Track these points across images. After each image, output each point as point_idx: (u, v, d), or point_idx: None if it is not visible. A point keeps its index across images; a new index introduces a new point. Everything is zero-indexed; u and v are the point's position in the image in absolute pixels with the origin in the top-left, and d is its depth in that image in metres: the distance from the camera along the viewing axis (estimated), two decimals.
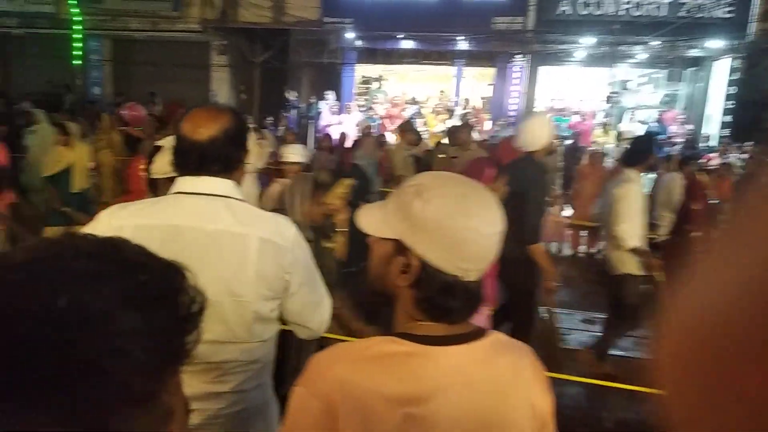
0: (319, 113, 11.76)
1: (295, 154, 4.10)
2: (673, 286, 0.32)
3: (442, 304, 0.94)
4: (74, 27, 12.10)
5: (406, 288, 0.96)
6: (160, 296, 0.43)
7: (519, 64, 12.09)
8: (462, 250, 0.93)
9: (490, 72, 12.81)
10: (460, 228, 0.92)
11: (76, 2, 11.90)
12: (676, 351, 0.30)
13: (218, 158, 1.48)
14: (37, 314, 0.37)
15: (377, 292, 1.06)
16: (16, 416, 0.33)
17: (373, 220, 1.03)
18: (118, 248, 0.46)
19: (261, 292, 1.45)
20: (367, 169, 5.35)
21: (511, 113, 12.16)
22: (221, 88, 12.81)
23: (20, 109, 10.76)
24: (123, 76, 13.49)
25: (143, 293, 0.42)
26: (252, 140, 2.31)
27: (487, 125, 11.89)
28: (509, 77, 12.25)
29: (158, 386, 0.41)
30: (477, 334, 0.98)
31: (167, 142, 2.09)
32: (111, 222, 1.50)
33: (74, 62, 12.41)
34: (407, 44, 12.09)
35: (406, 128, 6.89)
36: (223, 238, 1.46)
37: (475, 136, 10.17)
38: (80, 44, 12.31)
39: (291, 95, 12.17)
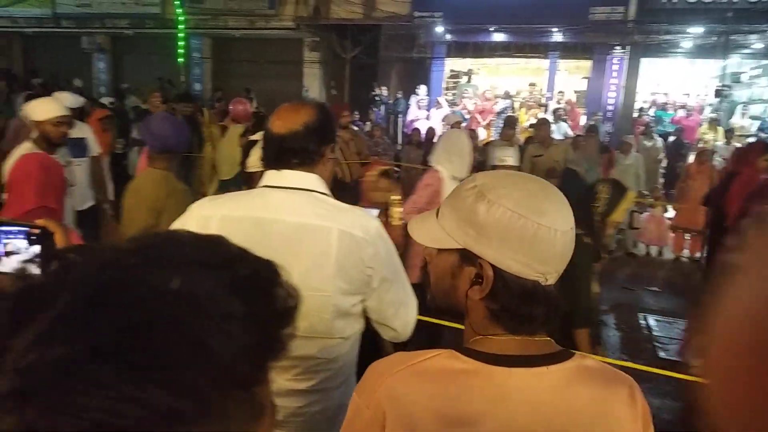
0: (407, 108, 11.75)
1: (511, 157, 3.81)
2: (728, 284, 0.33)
3: (523, 313, 0.85)
4: (178, 26, 12.80)
5: (479, 300, 0.87)
6: (259, 288, 0.45)
7: (618, 55, 11.47)
8: (539, 251, 0.84)
9: (585, 65, 12.27)
10: (534, 228, 0.83)
11: (180, 3, 12.57)
12: (729, 348, 0.32)
13: (297, 151, 1.48)
14: (153, 295, 0.39)
15: (442, 308, 0.97)
16: (130, 387, 0.35)
17: (429, 231, 0.94)
18: (218, 242, 0.48)
19: (340, 286, 1.43)
20: None
21: (609, 107, 11.58)
22: (312, 84, 13.12)
23: (130, 105, 11.58)
24: (221, 72, 14.14)
25: (244, 283, 0.44)
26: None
27: (582, 120, 11.39)
28: (607, 70, 11.66)
29: (257, 375, 0.43)
30: (558, 356, 0.87)
31: (259, 136, 2.16)
32: (200, 212, 1.54)
33: (178, 60, 13.13)
34: (499, 37, 11.81)
35: (506, 123, 6.75)
36: (305, 231, 1.46)
37: (569, 131, 9.80)
38: (183, 42, 13.01)
39: (380, 90, 12.25)
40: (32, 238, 0.92)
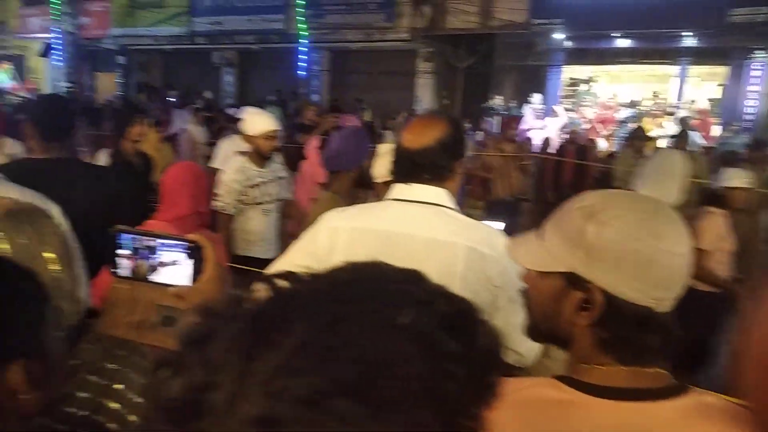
0: (521, 117, 11.49)
1: (741, 178, 3.37)
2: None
3: (636, 342, 0.79)
4: (300, 41, 13.44)
5: (586, 327, 0.81)
6: (466, 326, 0.43)
7: (761, 60, 10.47)
8: (654, 276, 0.78)
9: (720, 71, 11.31)
10: (649, 251, 0.78)
11: (303, 19, 13.20)
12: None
13: (429, 167, 1.47)
14: (386, 330, 0.39)
15: (542, 334, 0.91)
16: (372, 424, 0.35)
17: (531, 252, 0.89)
18: (419, 277, 0.46)
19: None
20: None
21: (748, 117, 10.58)
22: (425, 94, 13.19)
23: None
24: (338, 84, 14.61)
25: (453, 321, 0.42)
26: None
27: (716, 130, 10.50)
28: (746, 76, 10.67)
29: (474, 420, 0.42)
30: (673, 390, 0.79)
31: (386, 147, 2.19)
32: (330, 224, 1.57)
33: (299, 72, 13.79)
34: (623, 43, 11.21)
35: (636, 135, 6.40)
36: (433, 247, 1.45)
37: (701, 141, 9.07)
38: (304, 56, 13.65)
39: (494, 100, 12.07)
40: (189, 251, 0.98)
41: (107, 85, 18.60)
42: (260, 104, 13.61)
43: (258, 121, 3.48)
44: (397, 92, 13.61)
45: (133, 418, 1.03)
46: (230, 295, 0.43)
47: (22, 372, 0.75)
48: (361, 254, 1.51)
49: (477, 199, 6.55)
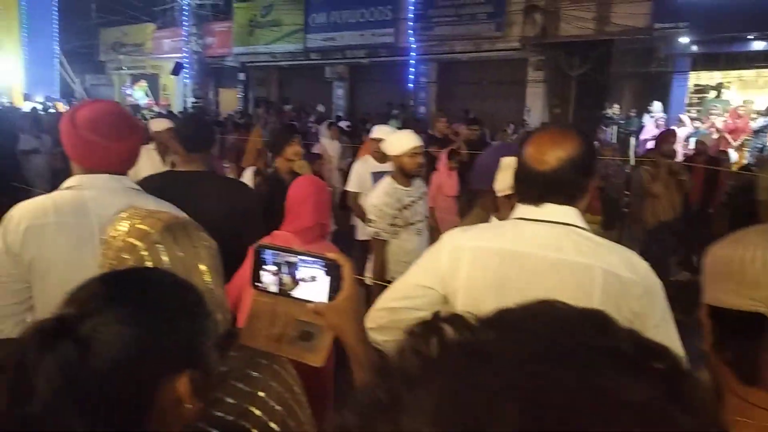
0: (641, 127, 10.85)
1: None
2: None
3: None
4: (409, 53, 13.63)
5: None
6: (689, 392, 0.35)
7: None
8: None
9: None
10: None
11: (412, 32, 13.39)
12: None
13: (561, 188, 1.39)
14: (604, 404, 0.32)
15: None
16: None
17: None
18: (608, 322, 0.40)
19: None
20: None
21: None
22: (535, 104, 12.86)
23: (365, 127, 12.61)
24: (445, 95, 14.62)
25: (678, 386, 0.35)
26: None
27: None
28: None
29: None
30: None
31: (509, 160, 2.14)
32: (453, 243, 1.54)
33: (408, 85, 13.97)
34: (757, 45, 10.27)
35: None
36: (563, 268, 1.37)
37: None
38: (413, 69, 13.82)
39: (611, 108, 11.51)
40: (327, 268, 1.00)
41: (229, 100, 19.90)
42: (376, 117, 13.96)
43: (402, 139, 3.39)
44: (506, 102, 13.38)
45: (273, 425, 1.07)
46: (400, 347, 0.38)
47: (188, 383, 0.78)
48: (485, 275, 1.49)
49: (594, 213, 6.20)
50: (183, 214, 1.30)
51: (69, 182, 1.79)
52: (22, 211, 1.70)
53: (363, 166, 4.74)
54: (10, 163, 6.33)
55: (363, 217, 4.47)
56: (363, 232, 4.49)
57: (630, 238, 5.81)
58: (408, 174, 3.37)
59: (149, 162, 4.45)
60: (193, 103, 18.16)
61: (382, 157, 4.40)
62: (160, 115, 12.99)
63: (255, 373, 1.11)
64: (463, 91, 14.50)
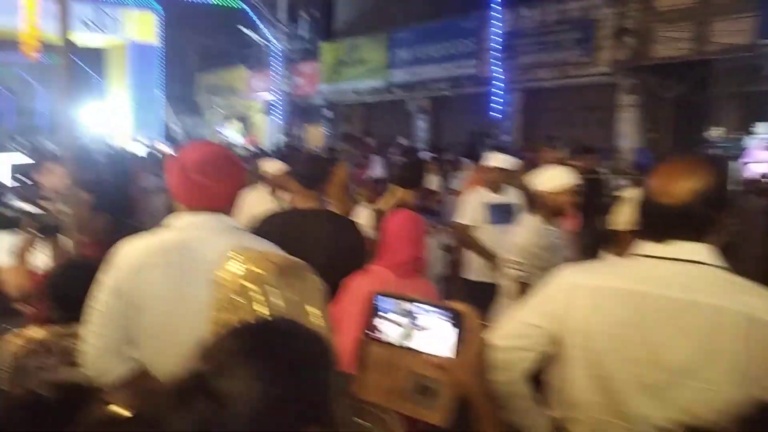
0: (743, 150, 10.11)
1: None
2: None
3: None
4: (494, 83, 13.54)
5: None
6: None
7: None
8: None
9: None
10: None
11: (496, 62, 13.32)
12: None
13: (690, 224, 1.27)
14: None
15: None
16: None
17: None
18: None
19: (742, 381, 1.16)
20: None
21: None
22: (627, 129, 12.32)
23: (447, 158, 12.57)
24: (530, 124, 14.35)
25: None
26: None
27: None
28: None
29: None
30: None
31: (630, 192, 2.01)
32: (567, 281, 1.44)
33: (491, 114, 13.86)
34: None
35: None
36: (698, 311, 1.23)
37: None
38: (497, 98, 13.71)
39: (713, 131, 10.82)
40: (451, 319, 0.94)
41: (315, 137, 20.56)
42: (458, 147, 13.89)
43: (556, 176, 3.17)
44: (594, 129, 12.92)
45: None
46: None
47: None
48: (604, 316, 1.37)
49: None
50: (290, 257, 1.29)
51: (172, 221, 1.84)
52: (128, 249, 1.77)
53: (475, 197, 4.44)
54: (125, 203, 6.70)
55: (483, 253, 4.24)
56: (479, 272, 4.23)
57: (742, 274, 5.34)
58: (557, 213, 3.18)
59: (260, 200, 4.58)
60: (283, 141, 18.90)
61: (497, 188, 4.23)
62: (256, 153, 13.59)
63: (363, 422, 1.07)
64: (548, 119, 14.17)
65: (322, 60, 18.47)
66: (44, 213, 2.64)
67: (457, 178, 9.55)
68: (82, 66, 24.26)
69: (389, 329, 0.99)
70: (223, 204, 1.83)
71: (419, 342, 0.96)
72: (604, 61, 11.93)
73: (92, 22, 18.91)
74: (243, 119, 23.69)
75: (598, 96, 12.93)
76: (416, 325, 0.97)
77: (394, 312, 0.99)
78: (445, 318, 0.94)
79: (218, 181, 1.78)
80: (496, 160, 4.48)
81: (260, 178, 5.17)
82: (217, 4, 19.63)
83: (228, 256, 1.24)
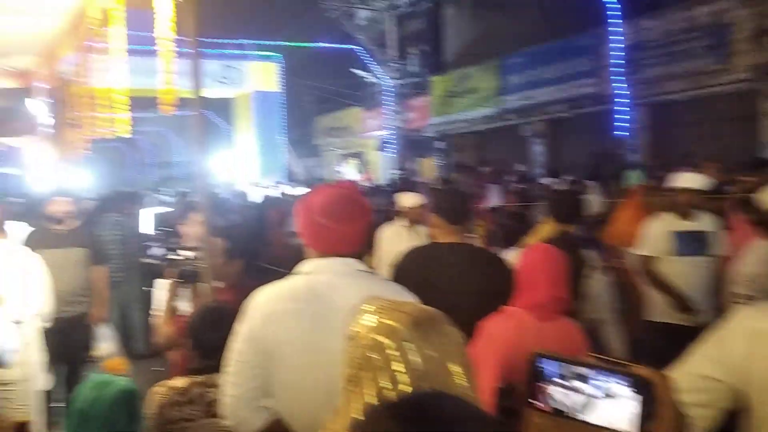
0: None
1: None
2: None
3: None
4: (616, 100, 12.85)
5: None
6: None
7: None
8: None
9: None
10: None
11: (618, 78, 12.64)
12: None
13: None
14: None
15: None
16: None
17: None
18: None
19: None
20: None
21: None
22: None
23: (566, 181, 11.98)
24: (659, 141, 13.39)
25: None
26: None
27: None
28: None
29: None
30: None
31: None
32: (746, 325, 1.20)
33: (615, 134, 13.12)
34: None
35: None
36: None
37: None
38: (621, 116, 12.96)
39: None
40: (634, 387, 0.76)
41: (428, 169, 20.65)
42: (580, 170, 13.26)
43: None
44: (734, 141, 11.76)
45: None
46: None
47: None
48: None
49: None
50: (425, 307, 1.17)
51: (303, 267, 1.82)
52: (261, 296, 1.77)
53: (658, 225, 3.95)
54: (259, 247, 6.88)
55: (670, 291, 3.74)
56: (664, 312, 3.75)
57: None
58: None
59: (397, 235, 4.57)
60: (397, 174, 19.18)
61: (687, 213, 3.71)
62: (373, 189, 13.84)
63: None
64: (680, 134, 13.13)
65: (433, 93, 18.63)
66: (185, 261, 2.75)
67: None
68: (212, 116, 26.49)
69: (556, 397, 0.83)
70: (351, 247, 1.78)
71: (593, 414, 0.79)
72: (742, 66, 10.88)
73: (221, 77, 20.60)
74: (359, 157, 24.43)
75: (736, 105, 11.80)
76: (589, 393, 0.80)
77: (560, 377, 0.83)
78: (624, 384, 0.76)
79: (344, 223, 1.75)
80: (686, 179, 3.90)
81: (395, 212, 5.16)
82: (331, 48, 20.58)
83: (360, 307, 1.16)
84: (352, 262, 1.78)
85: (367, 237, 1.89)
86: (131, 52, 14.03)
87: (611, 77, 12.83)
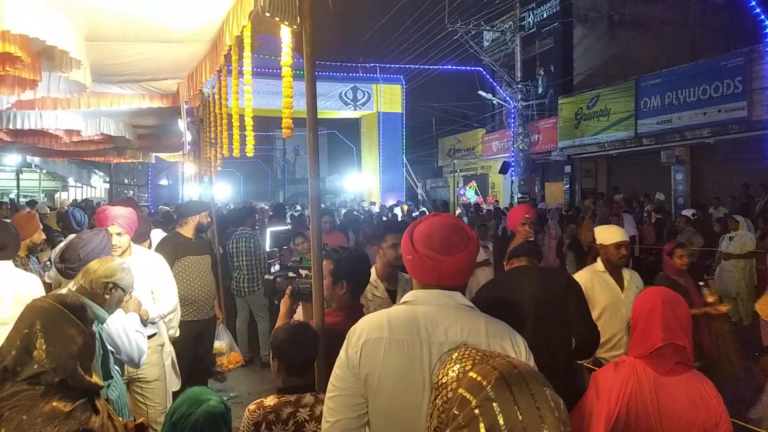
0: None
1: None
2: None
3: None
4: None
5: None
6: None
7: None
8: None
9: None
10: None
11: None
12: None
13: None
14: None
15: None
16: None
17: None
18: None
19: None
20: None
21: None
22: None
23: (715, 215, 10.91)
24: None
25: None
26: None
27: None
28: None
29: None
30: None
31: None
32: None
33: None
34: None
35: None
36: None
37: None
38: None
39: None
40: None
41: (555, 193, 19.87)
42: (730, 201, 12.07)
43: None
44: None
45: None
46: None
47: None
48: None
49: None
50: (519, 362, 1.06)
51: (406, 297, 1.77)
52: (363, 324, 1.74)
53: None
54: (366, 271, 6.96)
55: None
56: None
57: None
58: None
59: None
60: (519, 198, 18.66)
61: None
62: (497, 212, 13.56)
63: None
64: None
65: (561, 115, 17.96)
66: (300, 278, 2.80)
67: (732, 239, 8.18)
68: (341, 136, 27.60)
69: None
70: (450, 278, 1.70)
71: None
72: None
73: (350, 98, 21.46)
74: (480, 179, 24.14)
75: None
76: None
77: None
78: None
79: (442, 253, 1.68)
80: None
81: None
82: (454, 70, 20.61)
83: (449, 353, 1.08)
84: (453, 294, 1.72)
85: (471, 270, 1.79)
86: (265, 75, 15.07)
87: (763, 101, 11.57)
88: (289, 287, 2.91)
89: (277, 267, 3.14)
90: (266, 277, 3.03)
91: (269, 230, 3.12)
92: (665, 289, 2.14)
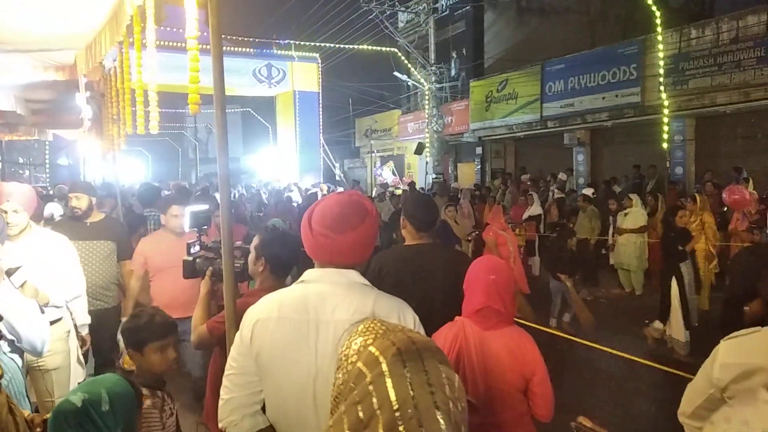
0: None
1: None
2: None
3: None
4: (660, 111, 12.46)
5: None
6: None
7: None
8: None
9: None
10: None
11: (663, 89, 12.27)
12: None
13: None
14: None
15: None
16: None
17: None
18: None
19: None
20: None
21: None
22: None
23: (613, 192, 11.68)
24: (706, 153, 12.94)
25: None
26: None
27: None
28: None
29: None
30: None
31: None
32: None
33: (661, 145, 12.74)
34: None
35: None
36: None
37: None
38: (665, 127, 12.57)
39: None
40: None
41: (467, 174, 20.48)
42: (624, 180, 12.92)
43: None
44: None
45: None
46: None
47: None
48: None
49: None
50: (418, 335, 1.07)
51: (304, 276, 1.76)
52: (256, 305, 1.74)
53: None
54: (289, 251, 6.89)
55: None
56: None
57: None
58: None
59: None
60: (433, 178, 19.07)
61: None
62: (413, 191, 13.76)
63: None
64: (729, 148, 12.67)
65: (472, 98, 18.46)
66: (219, 259, 2.75)
67: (625, 215, 8.81)
68: (256, 115, 26.91)
69: None
70: (344, 257, 1.69)
71: None
72: None
73: (264, 76, 20.92)
74: (397, 160, 24.42)
75: None
76: None
77: None
78: None
79: (336, 231, 1.66)
80: None
81: None
82: (370, 50, 20.61)
83: (353, 326, 1.10)
84: (347, 272, 1.70)
85: (369, 247, 1.81)
86: (173, 49, 14.29)
87: (655, 88, 12.46)
88: (210, 268, 2.86)
89: (198, 248, 3.06)
90: (185, 258, 2.95)
91: (189, 210, 3.00)
92: (490, 258, 2.44)
